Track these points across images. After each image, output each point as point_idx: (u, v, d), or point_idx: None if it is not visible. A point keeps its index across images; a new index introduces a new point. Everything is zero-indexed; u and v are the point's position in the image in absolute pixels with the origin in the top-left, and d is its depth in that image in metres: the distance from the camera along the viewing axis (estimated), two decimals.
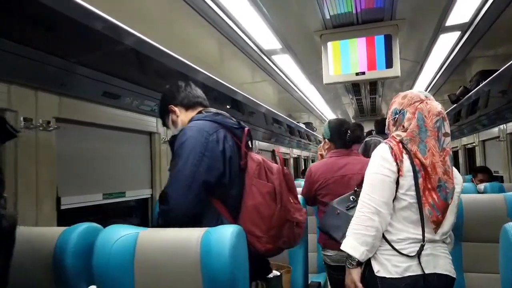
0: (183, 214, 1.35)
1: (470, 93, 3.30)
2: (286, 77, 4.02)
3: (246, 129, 1.62)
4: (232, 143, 1.55)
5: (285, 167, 1.66)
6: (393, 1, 2.46)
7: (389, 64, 2.85)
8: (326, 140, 2.49)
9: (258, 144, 5.54)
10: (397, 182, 1.49)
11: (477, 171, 4.22)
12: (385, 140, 1.60)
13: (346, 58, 2.95)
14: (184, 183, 1.38)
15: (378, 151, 1.55)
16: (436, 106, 1.51)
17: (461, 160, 6.73)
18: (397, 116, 1.60)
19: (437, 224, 1.48)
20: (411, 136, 1.49)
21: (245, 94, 3.87)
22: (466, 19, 2.66)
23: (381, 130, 3.39)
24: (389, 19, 2.78)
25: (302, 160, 9.13)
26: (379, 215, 1.49)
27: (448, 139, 1.49)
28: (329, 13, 2.60)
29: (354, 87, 5.31)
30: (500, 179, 4.65)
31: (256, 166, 1.51)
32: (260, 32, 2.85)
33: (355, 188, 1.86)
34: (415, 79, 4.30)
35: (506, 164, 4.35)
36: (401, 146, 1.51)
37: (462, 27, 2.84)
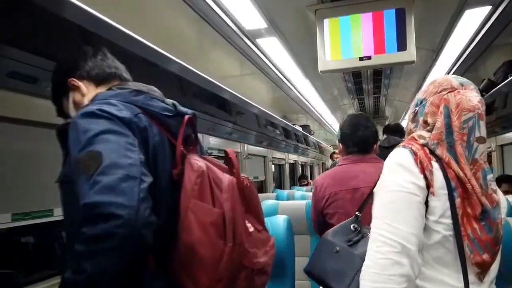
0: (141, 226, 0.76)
1: (499, 86, 2.70)
2: (276, 67, 3.40)
3: (187, 116, 1.02)
4: (160, 138, 0.96)
5: (245, 177, 1.06)
6: None
7: (401, 45, 2.24)
8: (338, 142, 1.88)
9: (247, 148, 4.92)
10: (426, 204, 1.00)
11: (500, 181, 3.61)
12: (404, 143, 1.11)
13: (347, 38, 2.34)
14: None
15: (396, 157, 1.06)
16: (471, 98, 1.04)
17: None
18: (417, 108, 1.15)
19: (483, 267, 1.01)
20: (438, 138, 1.04)
21: (229, 90, 3.27)
22: None
23: None
24: None
25: (299, 166, 8.50)
26: (408, 256, 0.95)
27: (483, 146, 1.04)
28: None
29: (356, 85, 4.71)
30: None
31: (197, 178, 0.91)
32: (239, 8, 2.25)
33: (356, 213, 1.27)
34: (428, 71, 3.69)
35: None
36: (427, 151, 1.05)
37: (494, 0, 2.24)
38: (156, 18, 2.20)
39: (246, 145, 4.82)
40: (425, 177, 1.00)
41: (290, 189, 6.63)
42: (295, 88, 4.36)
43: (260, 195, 4.60)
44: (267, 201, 3.00)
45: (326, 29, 2.36)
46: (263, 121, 4.87)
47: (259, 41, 2.76)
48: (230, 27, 2.48)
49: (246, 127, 4.38)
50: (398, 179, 1.01)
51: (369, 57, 2.30)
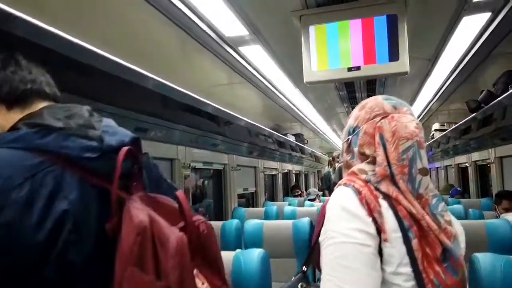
0: None
1: (499, 99, 2.51)
2: (263, 77, 3.21)
3: (124, 150, 0.77)
4: (81, 192, 0.72)
5: (201, 220, 0.82)
6: None
7: (393, 55, 2.05)
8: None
9: (236, 159, 4.71)
10: (380, 253, 0.89)
11: (501, 197, 3.41)
12: (345, 180, 1.01)
13: (335, 47, 2.15)
14: None
15: (338, 200, 0.95)
16: (407, 124, 0.96)
17: (471, 181, 5.90)
18: (350, 137, 1.06)
19: None
20: (383, 175, 0.94)
21: (210, 103, 3.06)
22: None
23: None
24: None
25: (293, 175, 8.28)
26: None
27: (427, 179, 0.95)
28: None
29: (350, 94, 4.51)
30: None
31: (136, 236, 0.67)
32: (218, 15, 2.06)
33: (303, 268, 1.12)
34: (423, 81, 3.50)
35: None
36: (372, 187, 0.95)
37: (495, 5, 2.05)
38: (131, 31, 2.01)
39: (234, 156, 4.61)
40: (374, 220, 0.88)
41: (283, 200, 6.42)
42: (285, 97, 4.16)
43: (249, 210, 4.44)
44: (251, 221, 2.80)
45: (312, 37, 2.17)
46: (252, 131, 4.66)
47: (242, 49, 2.57)
48: (210, 36, 2.28)
49: (234, 138, 4.18)
50: (343, 227, 0.88)
51: (358, 68, 2.11)
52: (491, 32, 2.28)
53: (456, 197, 5.63)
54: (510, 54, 2.75)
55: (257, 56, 2.67)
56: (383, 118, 0.97)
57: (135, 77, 1.94)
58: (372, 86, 3.75)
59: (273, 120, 6.03)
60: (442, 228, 0.90)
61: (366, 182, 0.94)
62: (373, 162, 0.96)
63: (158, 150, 3.07)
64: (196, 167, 3.83)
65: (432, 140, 5.68)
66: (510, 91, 2.38)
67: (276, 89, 3.78)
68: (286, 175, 8.18)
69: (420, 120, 6.22)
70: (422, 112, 5.08)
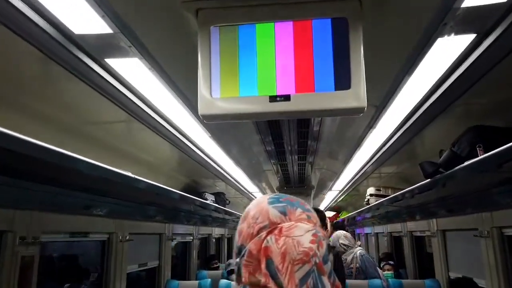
0: None
1: (471, 162, 1.84)
2: (155, 112, 2.27)
3: None
4: None
5: None
6: None
7: (342, 80, 1.26)
8: None
9: (127, 226, 3.53)
10: None
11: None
12: None
13: (251, 62, 1.31)
14: None
15: None
16: (300, 239, 0.76)
17: (407, 257, 5.28)
18: (238, 260, 0.81)
19: None
20: None
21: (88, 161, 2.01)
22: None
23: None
24: None
25: (213, 240, 7.09)
26: None
27: None
28: None
29: (277, 148, 3.74)
30: None
31: None
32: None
33: None
34: (365, 134, 2.82)
35: (490, 271, 2.90)
36: None
37: (481, 27, 1.42)
38: None
39: (125, 222, 3.44)
40: None
41: (196, 277, 5.23)
42: (196, 147, 3.24)
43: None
44: None
45: (214, 44, 1.32)
46: (152, 191, 3.59)
47: (111, 62, 1.63)
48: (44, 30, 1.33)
49: (126, 200, 3.08)
50: None
51: (286, 97, 1.27)
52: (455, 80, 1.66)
53: (387, 268, 4.96)
54: (475, 106, 2.18)
55: (138, 76, 1.74)
56: (269, 233, 0.77)
57: None
58: (303, 129, 2.93)
59: (189, 177, 5.05)
60: None
61: None
62: None
63: None
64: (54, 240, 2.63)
65: (367, 206, 5.08)
66: (490, 153, 1.72)
67: (183, 135, 2.86)
68: (205, 241, 7.00)
69: (352, 184, 5.69)
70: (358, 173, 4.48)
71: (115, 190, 2.68)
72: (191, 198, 3.92)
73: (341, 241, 4.09)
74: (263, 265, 0.74)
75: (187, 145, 3.03)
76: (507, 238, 2.68)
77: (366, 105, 1.24)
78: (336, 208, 11.32)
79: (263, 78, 1.30)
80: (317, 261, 0.74)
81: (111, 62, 1.62)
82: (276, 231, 0.76)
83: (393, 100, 2.13)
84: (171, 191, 3.32)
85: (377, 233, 7.50)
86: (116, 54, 1.58)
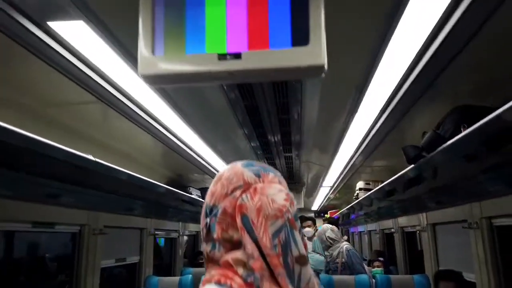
0: None
1: (453, 141, 1.69)
2: (127, 97, 2.11)
3: None
4: None
5: None
6: None
7: (300, 35, 1.11)
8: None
9: (103, 219, 3.37)
10: None
11: (440, 278, 2.57)
12: (218, 274, 0.78)
13: (199, 17, 1.16)
14: None
15: None
16: (274, 197, 0.80)
17: (398, 251, 5.14)
18: (208, 220, 0.84)
19: None
20: (260, 268, 0.75)
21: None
22: None
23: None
24: None
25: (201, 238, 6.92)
26: None
27: (307, 270, 0.78)
28: None
29: (260, 138, 3.58)
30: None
31: None
32: None
33: None
34: (350, 118, 2.67)
35: (479, 265, 2.75)
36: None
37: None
38: None
39: (100, 214, 3.28)
40: None
41: (181, 273, 5.08)
42: (177, 138, 3.09)
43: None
44: None
45: None
46: (133, 184, 3.43)
47: (55, 26, 1.47)
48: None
49: (99, 190, 2.91)
50: None
51: (236, 55, 1.12)
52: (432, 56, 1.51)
53: (377, 265, 4.82)
54: (462, 86, 2.03)
55: (86, 40, 1.58)
56: (243, 192, 0.81)
57: None
58: (283, 115, 2.75)
59: (174, 172, 4.91)
60: None
61: (245, 282, 0.75)
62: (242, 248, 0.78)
63: None
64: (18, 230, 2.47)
65: (356, 201, 4.94)
66: (470, 129, 1.57)
67: (162, 126, 2.71)
68: (194, 238, 6.85)
69: (342, 179, 5.55)
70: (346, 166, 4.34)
71: (82, 177, 2.53)
72: (175, 191, 3.78)
73: (327, 234, 3.95)
74: (238, 220, 0.78)
75: (156, 127, 2.79)
76: (496, 229, 2.53)
77: (326, 62, 1.09)
78: (331, 207, 11.19)
79: (213, 34, 1.15)
80: (290, 217, 0.79)
81: (56, 26, 1.47)
82: (251, 190, 0.81)
83: (372, 76, 1.98)
84: (150, 182, 3.17)
85: (370, 230, 7.37)
86: (62, 14, 1.42)
